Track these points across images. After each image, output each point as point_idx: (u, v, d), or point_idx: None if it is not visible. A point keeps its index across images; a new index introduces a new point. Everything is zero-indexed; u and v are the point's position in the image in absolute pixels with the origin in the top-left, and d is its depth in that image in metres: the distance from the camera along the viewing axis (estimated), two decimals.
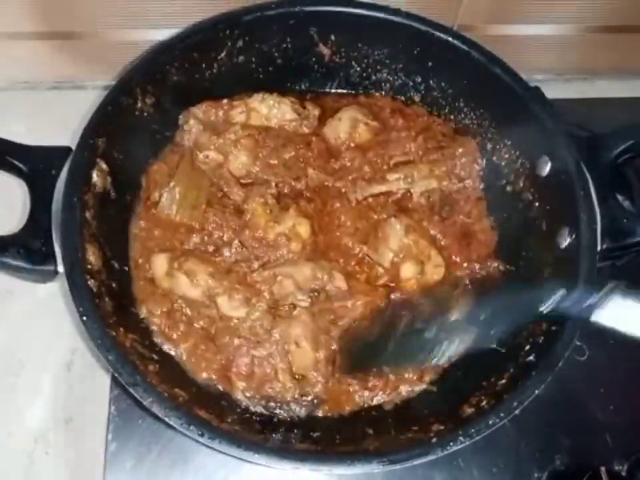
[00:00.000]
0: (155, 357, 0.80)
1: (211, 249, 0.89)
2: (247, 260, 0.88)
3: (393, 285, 0.89)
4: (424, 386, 0.85)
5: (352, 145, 0.98)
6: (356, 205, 0.94)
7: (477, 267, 0.92)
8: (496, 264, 0.92)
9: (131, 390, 0.69)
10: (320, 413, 0.83)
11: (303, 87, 1.04)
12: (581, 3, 1.07)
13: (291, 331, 0.83)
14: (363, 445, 0.75)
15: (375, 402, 0.84)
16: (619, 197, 0.91)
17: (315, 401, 0.83)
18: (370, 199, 0.94)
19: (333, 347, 0.85)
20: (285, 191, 0.95)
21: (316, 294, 0.86)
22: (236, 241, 0.89)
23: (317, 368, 0.83)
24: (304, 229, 0.89)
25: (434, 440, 0.69)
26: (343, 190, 0.95)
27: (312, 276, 0.86)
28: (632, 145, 0.85)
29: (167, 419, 0.68)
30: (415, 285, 0.89)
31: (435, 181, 0.94)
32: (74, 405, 0.92)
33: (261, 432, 0.78)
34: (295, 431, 0.80)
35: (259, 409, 0.82)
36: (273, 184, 0.94)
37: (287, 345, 0.83)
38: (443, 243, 0.93)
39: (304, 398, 0.83)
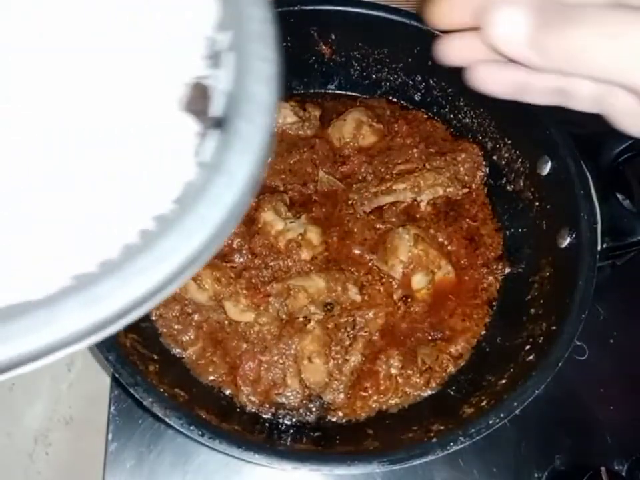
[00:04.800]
0: (156, 357, 0.80)
1: (220, 254, 0.88)
2: (257, 268, 0.87)
3: (409, 299, 0.88)
4: (429, 391, 0.84)
5: (356, 145, 0.98)
6: (363, 215, 0.93)
7: (484, 272, 0.91)
8: (502, 267, 0.91)
9: (131, 390, 0.68)
10: (334, 419, 0.82)
11: (302, 85, 1.04)
12: None
13: (304, 346, 0.82)
14: (363, 445, 0.75)
15: (386, 407, 0.83)
16: (619, 196, 0.91)
17: (325, 406, 0.83)
18: (377, 210, 0.94)
19: (348, 358, 0.84)
20: (295, 197, 0.94)
21: (330, 307, 0.86)
22: (246, 247, 0.88)
23: (336, 378, 0.82)
24: (315, 235, 0.89)
25: (434, 440, 0.69)
26: (350, 202, 0.94)
27: (326, 288, 0.85)
28: (632, 143, 0.85)
29: (167, 419, 0.67)
30: (425, 294, 0.88)
31: (441, 189, 0.94)
32: (74, 405, 0.92)
33: (262, 432, 0.78)
34: (299, 434, 0.80)
35: (267, 415, 0.82)
36: (283, 190, 0.94)
37: (300, 359, 0.82)
38: (449, 248, 0.92)
39: (313, 404, 0.83)
